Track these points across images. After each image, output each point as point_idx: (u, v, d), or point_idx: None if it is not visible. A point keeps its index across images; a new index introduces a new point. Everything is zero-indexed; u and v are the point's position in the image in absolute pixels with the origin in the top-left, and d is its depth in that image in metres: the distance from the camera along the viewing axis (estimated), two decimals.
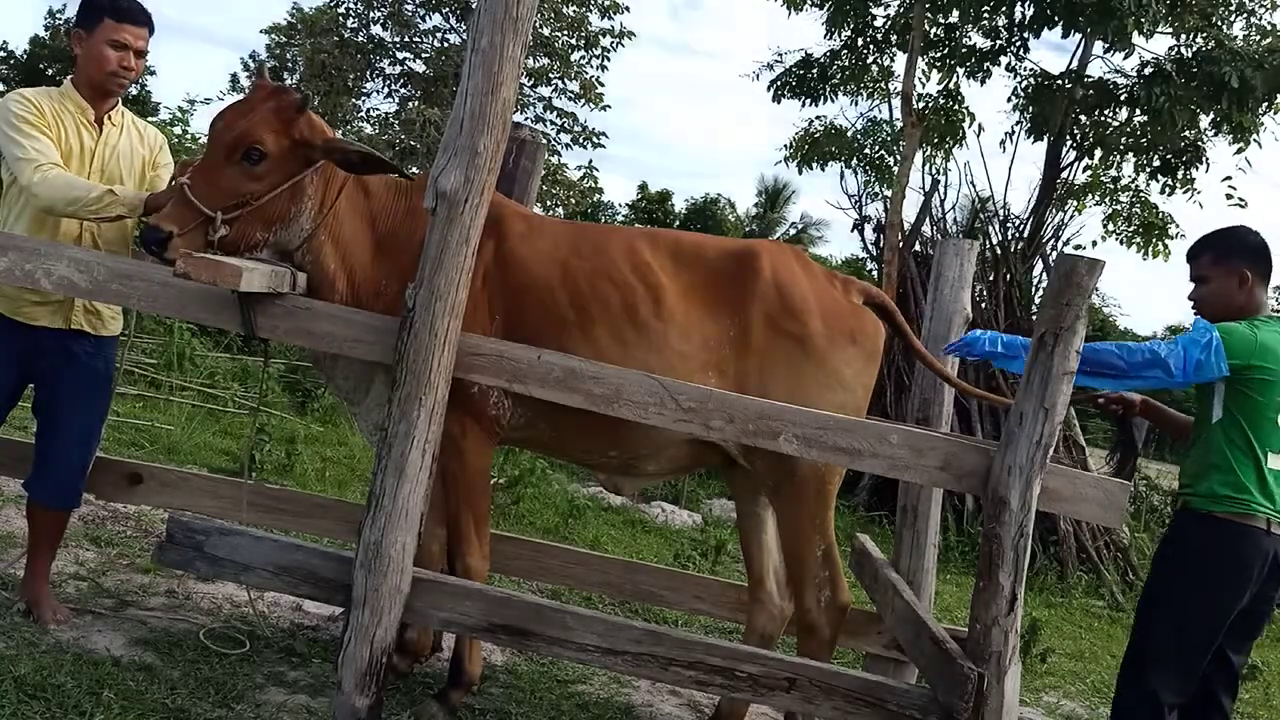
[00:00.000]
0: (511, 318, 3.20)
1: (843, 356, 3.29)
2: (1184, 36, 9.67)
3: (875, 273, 10.91)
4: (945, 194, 10.84)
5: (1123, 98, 9.88)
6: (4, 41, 26.75)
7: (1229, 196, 9.66)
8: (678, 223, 26.57)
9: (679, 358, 3.18)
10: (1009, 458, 2.71)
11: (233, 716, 3.01)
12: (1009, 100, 10.70)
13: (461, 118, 2.72)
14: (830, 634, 3.35)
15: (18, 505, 4.41)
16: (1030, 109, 10.35)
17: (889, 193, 10.64)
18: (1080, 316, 2.65)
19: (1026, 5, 9.92)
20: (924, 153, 10.98)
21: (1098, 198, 10.81)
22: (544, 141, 4.39)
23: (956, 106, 11.12)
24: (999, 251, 9.93)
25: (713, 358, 3.23)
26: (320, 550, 2.95)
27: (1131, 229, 10.85)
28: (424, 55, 21.03)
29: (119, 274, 2.92)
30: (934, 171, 11.00)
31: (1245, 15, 9.73)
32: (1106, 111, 10.29)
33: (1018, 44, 10.42)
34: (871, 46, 11.44)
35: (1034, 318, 2.99)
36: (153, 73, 26.80)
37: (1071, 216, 10.55)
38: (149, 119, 10.21)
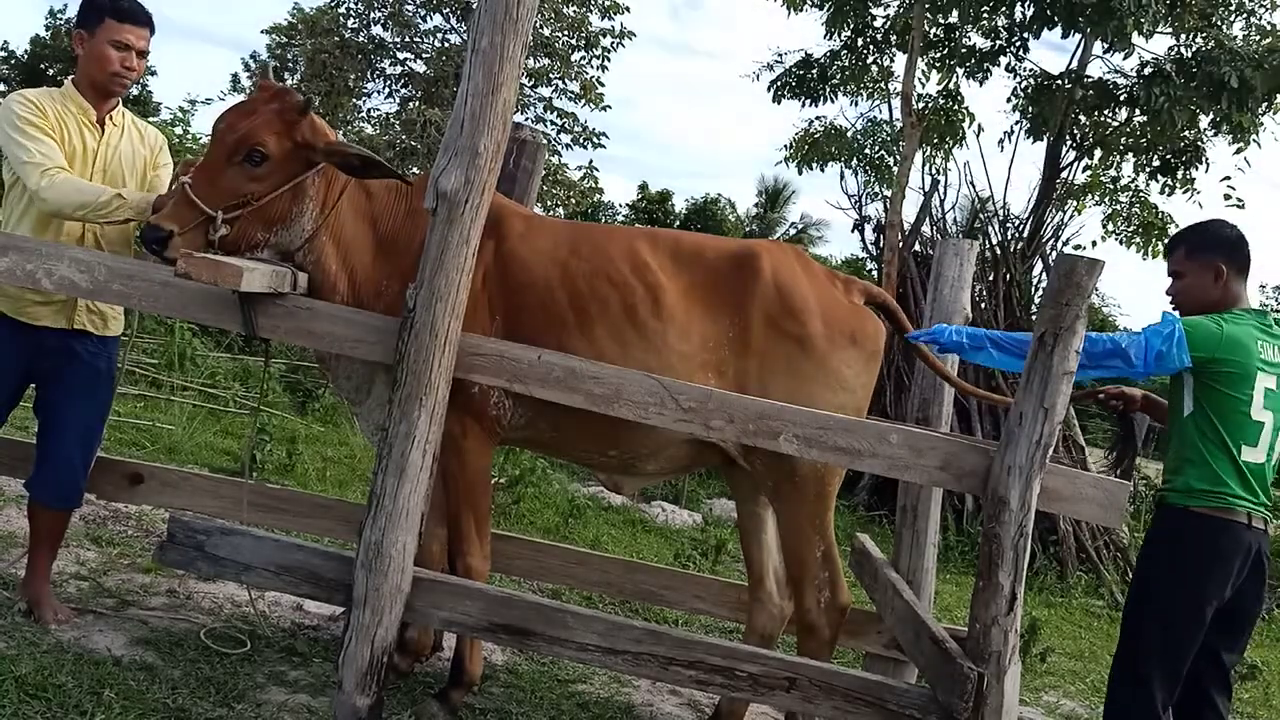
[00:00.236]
0: (512, 318, 3.21)
1: (843, 357, 3.30)
2: (1184, 36, 9.68)
3: (875, 273, 10.92)
4: (945, 194, 10.85)
5: (1122, 98, 9.88)
6: (5, 41, 26.80)
7: (1228, 197, 9.68)
8: (678, 223, 26.54)
9: (679, 358, 3.19)
10: (1009, 458, 2.71)
11: (233, 716, 3.02)
12: (1009, 100, 10.72)
13: (462, 118, 2.73)
14: (830, 634, 3.35)
15: (19, 505, 4.41)
16: (1030, 109, 10.35)
17: (889, 193, 10.64)
18: (1080, 316, 2.66)
19: (1026, 5, 9.93)
20: (924, 153, 10.99)
21: (1097, 198, 10.82)
22: (544, 142, 4.39)
23: (956, 106, 11.13)
24: (999, 251, 9.93)
25: (712, 358, 3.23)
26: (321, 550, 2.95)
27: (1131, 229, 10.86)
28: (425, 56, 21.04)
29: (120, 274, 2.92)
30: (934, 171, 11.02)
31: (1245, 15, 9.74)
32: (1106, 111, 10.29)
33: (1017, 44, 10.42)
34: (871, 47, 11.45)
35: (1034, 318, 3.00)
36: (153, 73, 26.84)
37: (1071, 216, 10.57)
38: (150, 119, 10.22)
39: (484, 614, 2.84)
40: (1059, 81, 10.29)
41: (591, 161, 27.08)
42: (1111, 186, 10.85)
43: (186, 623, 3.65)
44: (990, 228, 10.22)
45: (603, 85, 21.40)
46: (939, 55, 10.95)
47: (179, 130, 11.61)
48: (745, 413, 2.84)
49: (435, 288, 2.74)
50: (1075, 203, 10.60)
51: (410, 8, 20.63)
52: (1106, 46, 9.65)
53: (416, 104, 19.74)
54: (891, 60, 11.58)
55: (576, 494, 7.53)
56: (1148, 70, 9.57)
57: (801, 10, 11.23)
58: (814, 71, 11.41)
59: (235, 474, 5.30)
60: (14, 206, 3.32)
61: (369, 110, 21.45)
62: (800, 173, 12.43)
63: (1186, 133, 9.85)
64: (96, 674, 3.05)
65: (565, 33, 20.80)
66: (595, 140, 21.73)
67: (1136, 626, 3.13)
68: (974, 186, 10.94)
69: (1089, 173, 10.65)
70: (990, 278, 9.82)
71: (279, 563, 2.87)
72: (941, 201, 10.51)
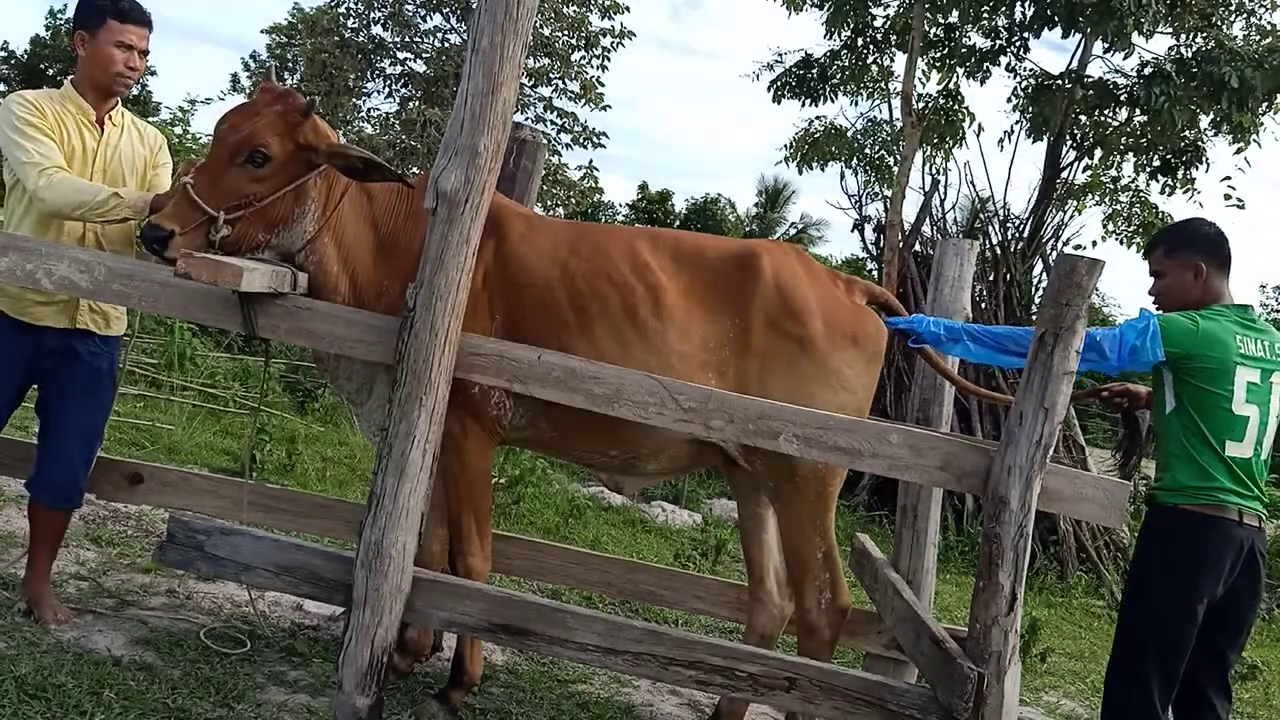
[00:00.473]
0: (512, 317, 3.21)
1: (844, 357, 3.29)
2: (1184, 36, 9.68)
3: (875, 273, 10.91)
4: (945, 194, 10.84)
5: (1123, 98, 9.88)
6: (5, 42, 26.81)
7: (1228, 197, 9.68)
8: (678, 223, 26.55)
9: (679, 358, 3.19)
10: (1009, 458, 2.71)
11: (233, 716, 3.02)
12: (1009, 100, 10.70)
13: (462, 118, 2.73)
14: (831, 635, 3.35)
15: (19, 505, 4.41)
16: (1030, 109, 10.35)
17: (889, 193, 10.64)
18: (1080, 316, 2.66)
19: (1026, 5, 9.92)
20: (924, 153, 10.98)
21: (1098, 198, 10.82)
22: (544, 141, 4.39)
23: (956, 106, 11.12)
24: (999, 251, 9.93)
25: (713, 358, 3.23)
26: (321, 550, 2.95)
27: (1131, 229, 10.86)
28: (424, 55, 21.04)
29: (120, 274, 2.92)
30: (934, 171, 11.01)
31: (1245, 15, 9.74)
32: (1106, 111, 10.29)
33: (1018, 44, 10.41)
34: (871, 47, 11.44)
35: (1034, 318, 3.00)
36: (153, 73, 26.85)
37: (1071, 216, 10.57)
38: (150, 119, 10.22)
39: (484, 614, 2.84)
40: (1059, 81, 10.28)
41: (591, 161, 27.08)
42: (1112, 186, 10.85)
43: (186, 623, 3.65)
44: (990, 228, 10.22)
45: (603, 85, 21.42)
46: (939, 55, 10.94)
47: (179, 130, 11.61)
48: (745, 413, 2.84)
49: (435, 287, 2.74)
50: (1075, 203, 10.60)
51: (410, 8, 20.63)
52: (1106, 46, 9.65)
53: (416, 104, 19.75)
54: (891, 60, 11.59)
55: (576, 494, 7.53)
56: (1148, 70, 9.56)
57: (801, 10, 11.22)
58: (814, 71, 11.40)
59: (235, 474, 5.30)
60: (15, 207, 3.32)
61: (369, 110, 21.47)
62: (800, 173, 12.44)
63: (1186, 133, 9.85)
64: (96, 674, 3.05)
65: (565, 32, 20.79)
66: (595, 140, 21.74)
67: (1130, 626, 3.13)
68: (974, 186, 10.94)
69: (1089, 173, 10.65)
70: (990, 278, 9.82)
71: (279, 563, 2.87)
72: (941, 201, 10.52)
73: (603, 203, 26.85)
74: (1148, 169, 10.50)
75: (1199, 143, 10.11)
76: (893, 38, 11.25)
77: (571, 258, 3.27)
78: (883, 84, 11.74)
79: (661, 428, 2.97)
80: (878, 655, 3.87)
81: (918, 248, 10.30)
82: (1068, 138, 10.57)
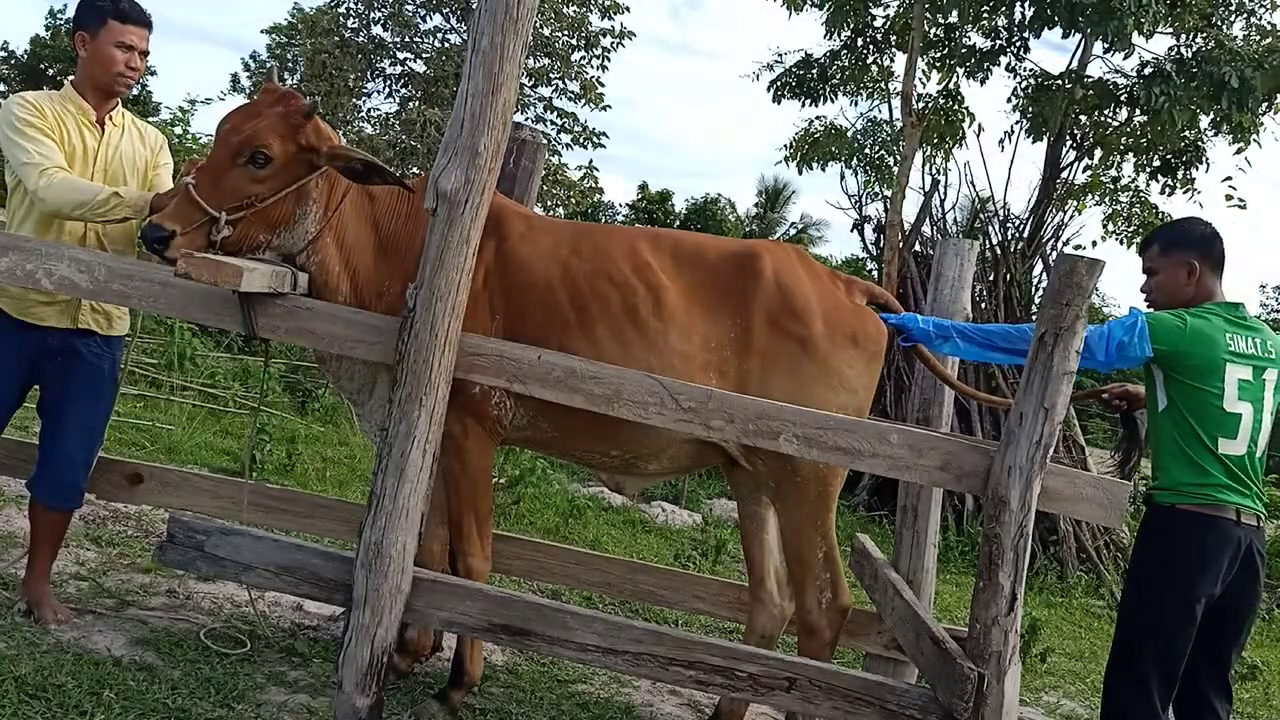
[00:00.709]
0: (512, 318, 3.21)
1: (844, 357, 3.29)
2: (1184, 36, 9.68)
3: (875, 273, 10.92)
4: (945, 194, 10.83)
5: (1123, 98, 9.87)
6: (5, 42, 26.83)
7: (1229, 197, 9.68)
8: (678, 223, 26.53)
9: (679, 358, 3.19)
10: (1009, 458, 2.71)
11: (233, 716, 3.02)
12: (1009, 100, 10.69)
13: (462, 118, 2.73)
14: (831, 635, 3.35)
15: (19, 505, 4.41)
16: (1030, 109, 10.34)
17: (889, 193, 10.64)
18: (1080, 316, 2.66)
19: (1026, 5, 9.91)
20: (924, 153, 10.98)
21: (1098, 198, 10.82)
22: (544, 141, 4.39)
23: (956, 106, 11.12)
24: (999, 251, 9.93)
25: (714, 358, 3.23)
26: (321, 550, 2.95)
27: (1131, 229, 10.85)
28: (425, 55, 21.05)
29: (120, 274, 2.92)
30: (934, 171, 11.02)
31: (1245, 15, 9.74)
32: (1106, 111, 10.28)
33: (1018, 44, 10.41)
34: (871, 47, 11.44)
35: (1034, 317, 3.00)
36: (153, 73, 26.88)
37: (1071, 216, 10.56)
38: (150, 119, 10.22)
39: (484, 614, 2.84)
40: (1059, 81, 10.28)
41: (591, 161, 27.12)
42: (1111, 186, 10.84)
43: (186, 623, 3.65)
44: (990, 228, 10.23)
45: (603, 85, 21.46)
46: (939, 55, 10.95)
47: (179, 130, 11.59)
48: (745, 413, 2.84)
49: (435, 288, 2.74)
50: (1075, 203, 10.60)
51: (410, 8, 20.65)
52: (1106, 46, 9.64)
53: (416, 104, 19.76)
54: (891, 60, 11.59)
55: (576, 494, 7.53)
56: (1148, 70, 9.56)
57: (801, 10, 11.22)
58: (814, 71, 11.40)
59: (235, 474, 5.30)
60: (17, 209, 3.33)
61: (369, 110, 21.51)
62: (800, 173, 12.43)
63: (1187, 133, 9.84)
64: (96, 674, 3.05)
65: (565, 33, 20.82)
66: (595, 140, 21.77)
67: (1129, 625, 3.14)
68: (974, 186, 10.93)
69: (1089, 173, 10.65)
70: (990, 278, 9.82)
71: (279, 563, 2.87)
72: (941, 201, 10.52)
73: (603, 203, 26.86)
74: (1148, 169, 10.50)
75: (1199, 143, 10.10)
76: (893, 38, 11.25)
77: (572, 258, 3.27)
78: (883, 84, 11.74)
79: (662, 428, 2.97)
80: (878, 655, 3.87)
81: (918, 248, 10.31)
82: (1068, 138, 10.57)
